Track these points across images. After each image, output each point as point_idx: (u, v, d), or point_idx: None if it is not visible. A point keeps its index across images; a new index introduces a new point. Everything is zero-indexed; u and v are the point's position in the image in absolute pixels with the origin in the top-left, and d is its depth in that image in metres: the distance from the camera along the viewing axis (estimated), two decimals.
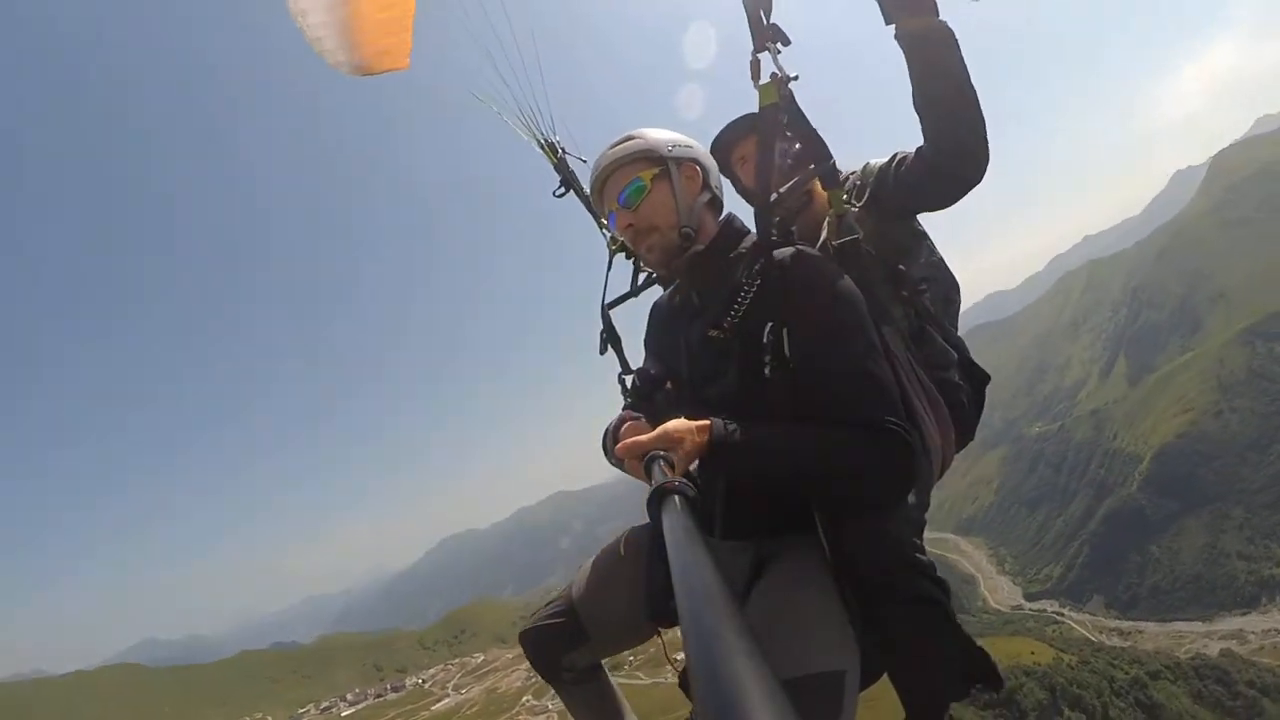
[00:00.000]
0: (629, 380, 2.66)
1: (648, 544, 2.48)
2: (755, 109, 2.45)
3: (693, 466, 1.96)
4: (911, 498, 2.23)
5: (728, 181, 3.18)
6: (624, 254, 3.04)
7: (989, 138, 2.39)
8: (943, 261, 3.00)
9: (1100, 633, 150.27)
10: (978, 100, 2.34)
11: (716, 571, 1.00)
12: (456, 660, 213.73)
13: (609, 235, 3.10)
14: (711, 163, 2.55)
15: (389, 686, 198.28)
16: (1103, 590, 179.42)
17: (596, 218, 3.28)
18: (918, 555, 2.16)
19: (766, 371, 2.10)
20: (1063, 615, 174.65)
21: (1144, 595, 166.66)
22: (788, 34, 2.37)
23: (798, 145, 2.74)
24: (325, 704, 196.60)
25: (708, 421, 1.98)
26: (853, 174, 2.97)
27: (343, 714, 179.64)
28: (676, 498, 1.44)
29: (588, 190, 3.04)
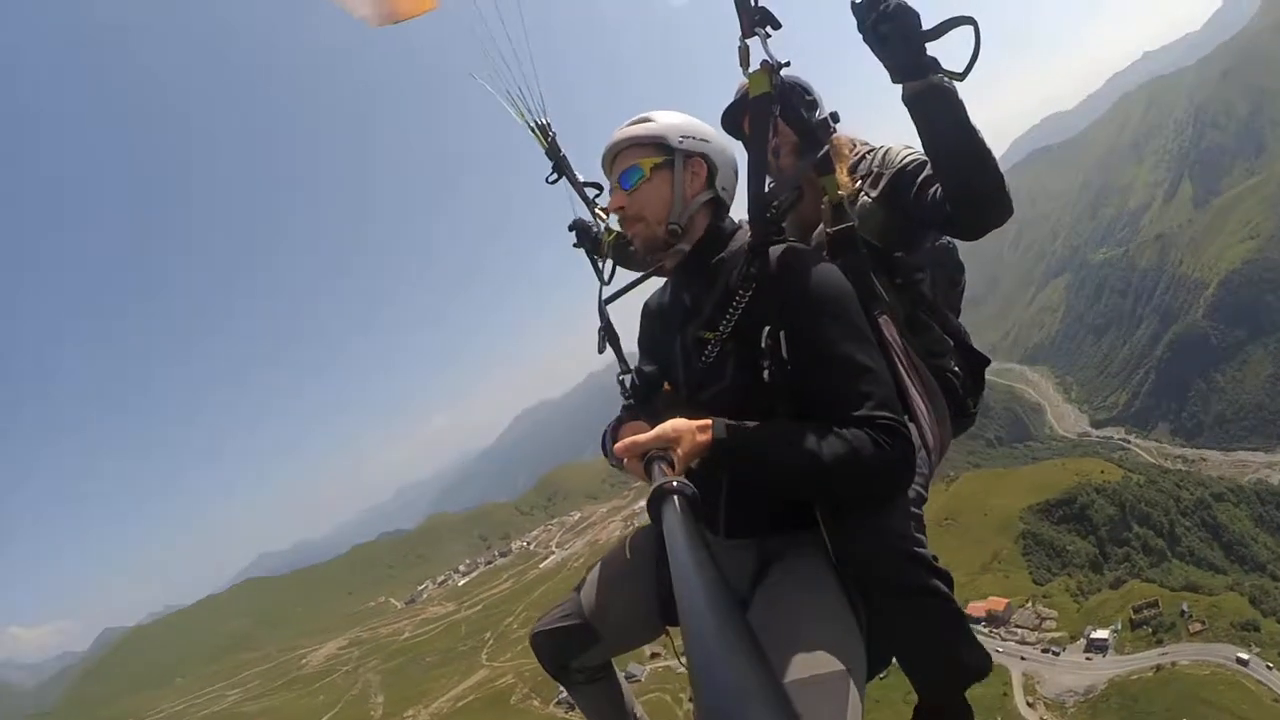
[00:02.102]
0: (627, 380, 2.66)
1: (654, 545, 2.53)
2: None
3: (693, 465, 1.95)
4: (910, 491, 2.23)
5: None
6: (620, 246, 3.14)
7: (1008, 188, 2.35)
8: (950, 244, 2.99)
9: (1165, 459, 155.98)
10: (988, 154, 2.29)
11: (716, 571, 1.01)
12: (555, 521, 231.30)
13: (604, 227, 3.25)
14: (724, 160, 2.47)
15: (496, 553, 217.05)
16: (1168, 418, 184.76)
17: (591, 208, 3.39)
18: (918, 548, 2.16)
19: (765, 375, 2.12)
20: (1129, 442, 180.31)
21: (1209, 424, 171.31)
22: (778, 17, 2.31)
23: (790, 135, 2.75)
24: (440, 578, 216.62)
25: (708, 421, 2.00)
26: (868, 151, 2.92)
27: (459, 584, 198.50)
28: (676, 498, 1.44)
29: (580, 176, 3.22)
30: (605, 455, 2.45)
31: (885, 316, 2.43)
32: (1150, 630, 68.41)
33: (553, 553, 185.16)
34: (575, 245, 3.31)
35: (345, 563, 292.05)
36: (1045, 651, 70.67)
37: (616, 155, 2.45)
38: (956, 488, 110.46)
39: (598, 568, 2.78)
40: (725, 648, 0.78)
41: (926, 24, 2.18)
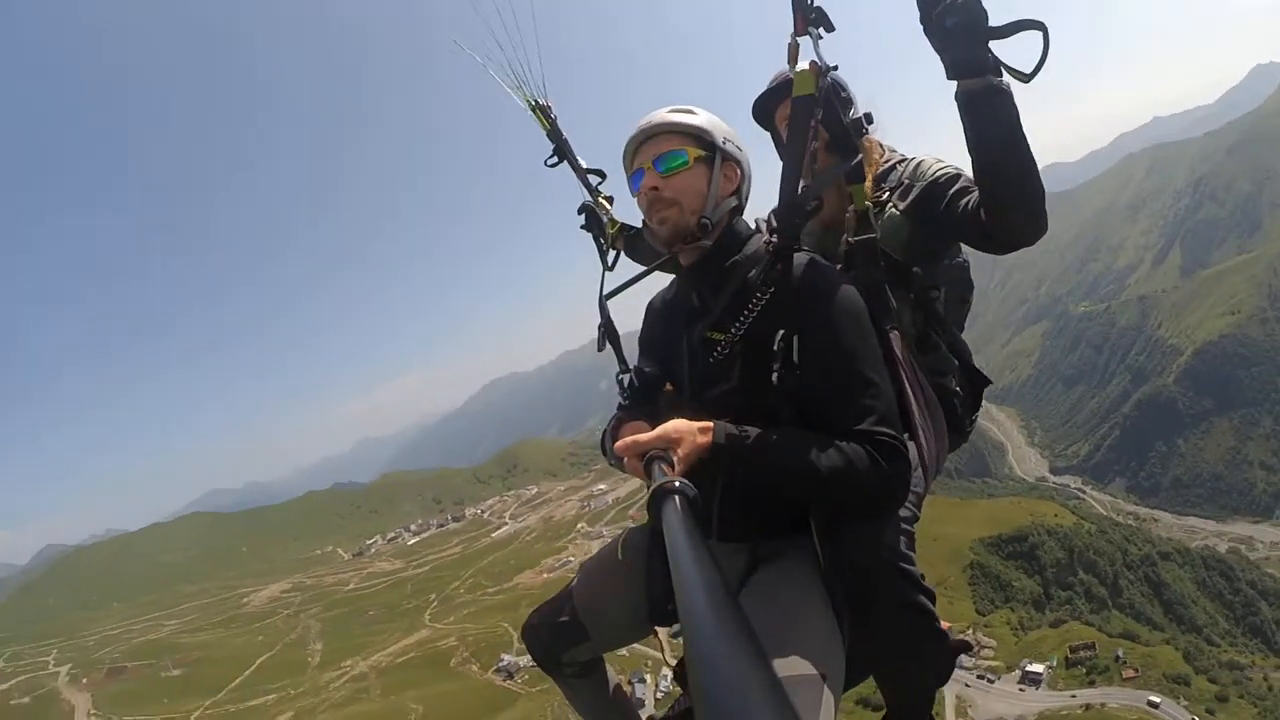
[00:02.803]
0: (626, 379, 2.62)
1: (646, 545, 2.51)
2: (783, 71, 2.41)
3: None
4: (905, 509, 2.25)
5: (769, 141, 3.22)
6: (621, 239, 3.13)
7: (1045, 204, 2.31)
8: (965, 263, 2.97)
9: (1118, 514, 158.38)
10: (1034, 164, 2.24)
11: (717, 571, 1.01)
12: (511, 493, 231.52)
13: (608, 217, 3.15)
14: (750, 172, 2.49)
15: (450, 518, 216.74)
16: (1125, 474, 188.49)
17: (594, 196, 3.27)
18: (908, 564, 2.16)
19: (774, 379, 2.14)
20: (1084, 492, 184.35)
21: (1165, 485, 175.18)
22: (831, 19, 2.27)
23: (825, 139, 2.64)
24: (391, 535, 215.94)
25: (710, 423, 2.01)
26: (899, 161, 2.88)
27: (409, 543, 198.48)
28: (677, 498, 1.44)
29: (583, 162, 3.20)
30: (604, 454, 2.43)
31: (896, 332, 2.40)
32: (1084, 670, 69.90)
33: (506, 523, 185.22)
34: (583, 228, 3.20)
35: (296, 507, 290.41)
36: (980, 678, 71.86)
37: (652, 137, 2.38)
38: None
39: (590, 565, 2.77)
40: (726, 647, 0.78)
41: (993, 22, 2.10)
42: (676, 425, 1.96)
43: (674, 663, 2.48)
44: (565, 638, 2.67)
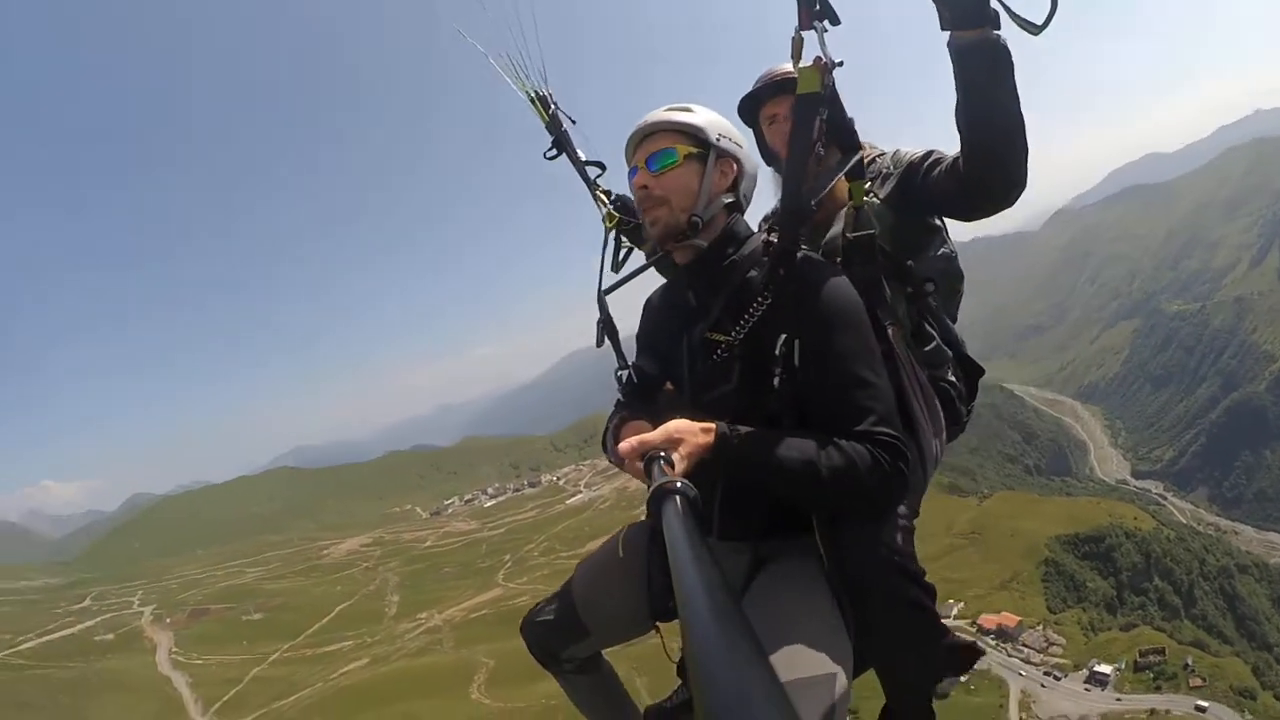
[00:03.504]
0: (624, 376, 2.63)
1: (646, 543, 2.53)
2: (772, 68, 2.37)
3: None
4: (903, 506, 2.25)
5: (752, 141, 3.11)
6: (620, 232, 3.05)
7: (1028, 163, 2.29)
8: (953, 254, 2.92)
9: (1198, 523, 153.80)
10: (1023, 123, 2.21)
11: (717, 571, 1.01)
12: (587, 462, 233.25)
13: (605, 211, 3.08)
14: (751, 168, 2.47)
15: (526, 483, 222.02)
16: (1209, 483, 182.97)
17: (592, 188, 3.24)
18: (908, 562, 2.17)
19: (775, 382, 2.14)
20: (1165, 499, 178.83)
21: (1248, 497, 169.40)
22: (838, 13, 2.21)
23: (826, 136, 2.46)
24: (468, 496, 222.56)
25: (712, 424, 2.01)
26: (879, 155, 2.88)
27: (485, 505, 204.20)
28: (677, 498, 1.45)
29: (583, 154, 3.20)
30: (605, 453, 2.47)
31: (894, 328, 2.41)
32: (1152, 675, 69.57)
33: (580, 491, 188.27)
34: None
35: (378, 466, 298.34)
36: (1047, 674, 72.11)
37: (648, 136, 2.39)
38: (988, 504, 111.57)
39: (589, 562, 2.81)
40: (726, 646, 0.78)
41: None
42: (678, 425, 1.96)
43: (677, 660, 2.43)
44: (564, 634, 2.69)
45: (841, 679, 2.01)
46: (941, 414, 2.57)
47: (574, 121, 3.37)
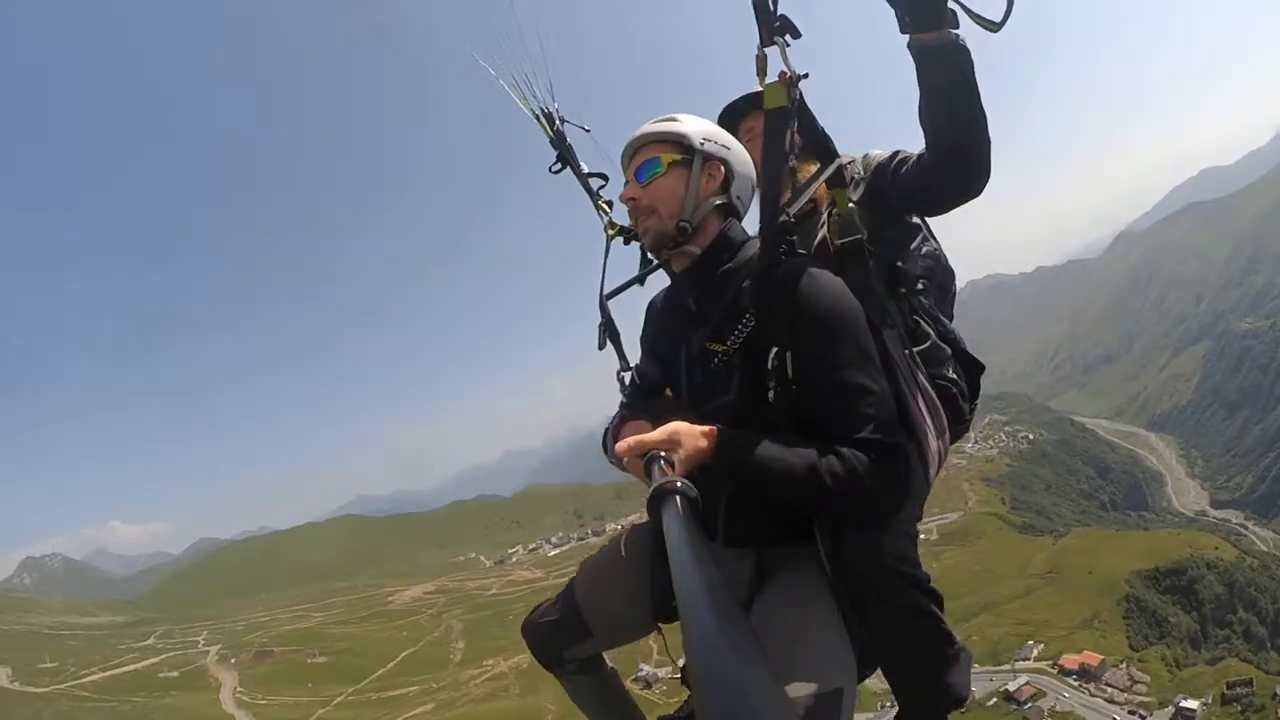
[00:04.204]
0: (626, 378, 2.67)
1: (649, 544, 2.49)
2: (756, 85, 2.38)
3: (693, 471, 1.93)
4: (906, 511, 2.24)
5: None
6: (623, 239, 3.10)
7: (992, 155, 2.34)
8: (938, 250, 2.92)
9: None
10: (985, 118, 2.25)
11: (717, 571, 1.01)
12: None
13: (606, 220, 3.16)
14: (742, 169, 2.44)
15: (590, 531, 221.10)
16: None
17: (594, 199, 3.29)
18: (911, 568, 2.17)
19: (770, 396, 2.14)
20: (1246, 528, 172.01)
21: None
22: (798, 26, 2.24)
23: (800, 146, 2.46)
24: (532, 545, 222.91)
25: (713, 428, 2.02)
26: (851, 162, 2.88)
27: (549, 554, 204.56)
28: (677, 498, 1.45)
29: (585, 166, 3.25)
30: (605, 453, 2.49)
31: (890, 331, 2.41)
32: (1240, 709, 68.02)
33: None
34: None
35: (441, 515, 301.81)
36: (1132, 714, 70.85)
37: (637, 150, 2.42)
38: (1065, 542, 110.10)
39: (592, 563, 2.82)
40: (726, 646, 0.78)
41: None
42: (678, 427, 1.98)
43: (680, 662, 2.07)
44: (567, 635, 2.71)
45: (849, 694, 2.03)
46: (943, 413, 2.54)
47: (587, 130, 3.43)
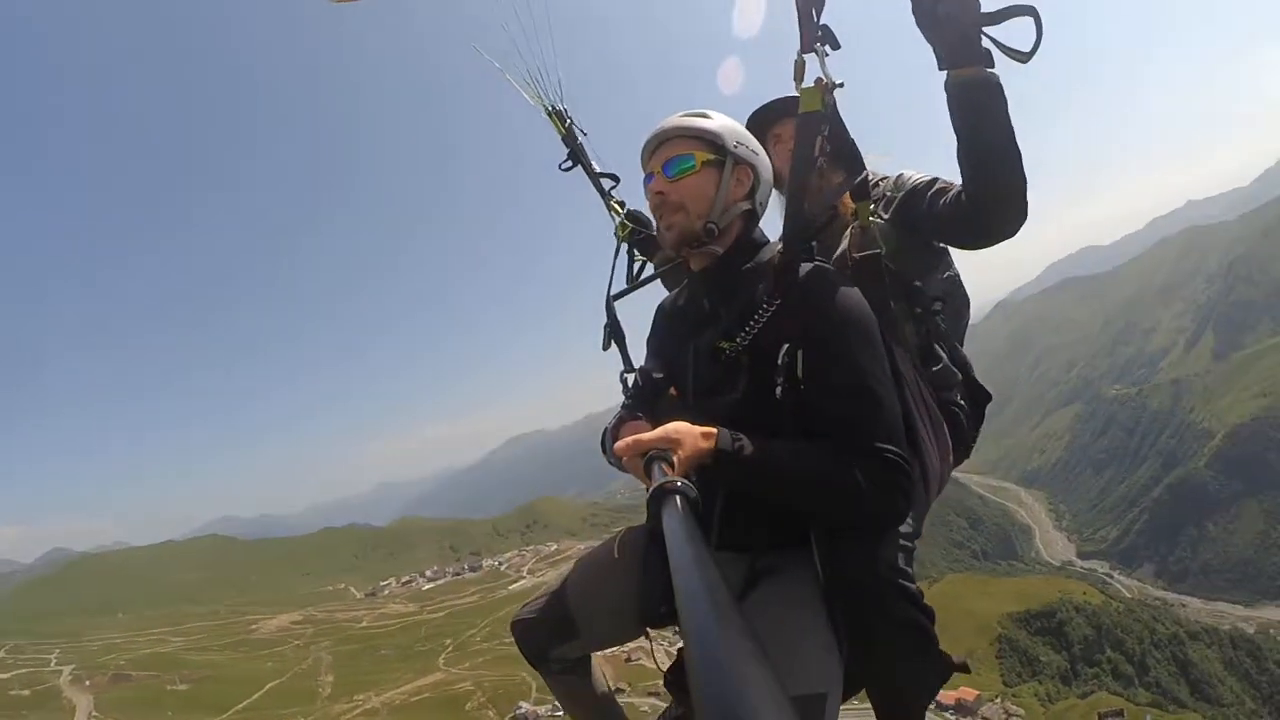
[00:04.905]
0: (630, 379, 2.67)
1: (643, 546, 2.41)
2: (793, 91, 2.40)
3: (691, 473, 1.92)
4: (906, 525, 2.23)
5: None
6: (628, 243, 3.13)
7: (1028, 195, 2.32)
8: (958, 277, 2.97)
9: (1146, 599, 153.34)
10: (1020, 155, 2.24)
11: (717, 571, 1.00)
12: (530, 547, 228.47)
13: (618, 221, 3.17)
14: (767, 176, 2.46)
15: (466, 567, 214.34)
16: (1154, 559, 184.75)
17: (606, 199, 3.33)
18: (906, 581, 2.16)
19: (778, 392, 2.11)
20: (1111, 577, 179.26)
21: (1194, 570, 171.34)
22: (838, 37, 2.29)
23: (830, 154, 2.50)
24: (405, 578, 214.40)
25: (714, 429, 1.99)
26: (883, 179, 2.89)
27: (423, 588, 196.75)
28: (678, 498, 1.43)
29: (597, 166, 3.28)
30: (604, 454, 2.46)
31: (901, 348, 2.43)
32: None
33: (524, 577, 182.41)
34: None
35: (310, 542, 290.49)
36: None
37: (665, 141, 2.40)
38: (940, 587, 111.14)
39: (585, 562, 2.78)
40: (725, 646, 0.78)
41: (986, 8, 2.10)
42: (678, 427, 1.95)
43: (665, 667, 2.40)
44: (555, 634, 2.66)
45: (830, 700, 2.02)
46: (948, 436, 2.54)
47: (585, 134, 3.51)
